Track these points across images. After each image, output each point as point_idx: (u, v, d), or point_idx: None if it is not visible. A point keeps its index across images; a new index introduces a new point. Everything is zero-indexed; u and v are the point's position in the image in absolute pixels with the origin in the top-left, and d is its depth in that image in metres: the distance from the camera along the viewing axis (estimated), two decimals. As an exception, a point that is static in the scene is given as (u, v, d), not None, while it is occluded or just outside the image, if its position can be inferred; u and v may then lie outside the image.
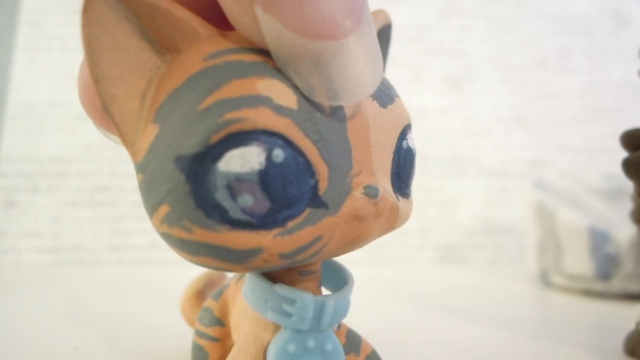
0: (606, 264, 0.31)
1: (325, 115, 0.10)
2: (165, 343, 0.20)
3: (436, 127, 0.54)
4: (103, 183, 0.50)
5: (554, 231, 0.34)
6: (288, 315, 0.11)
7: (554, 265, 0.34)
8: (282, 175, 0.09)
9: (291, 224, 0.10)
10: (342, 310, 0.12)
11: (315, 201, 0.10)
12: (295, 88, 0.10)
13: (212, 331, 0.15)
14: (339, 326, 0.13)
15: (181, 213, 0.10)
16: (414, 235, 0.52)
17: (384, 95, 0.12)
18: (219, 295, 0.16)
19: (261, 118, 0.09)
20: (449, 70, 0.55)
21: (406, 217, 0.12)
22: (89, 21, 0.10)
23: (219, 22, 0.11)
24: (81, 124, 0.51)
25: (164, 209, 0.10)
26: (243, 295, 0.12)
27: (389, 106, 0.11)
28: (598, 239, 0.31)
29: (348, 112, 0.11)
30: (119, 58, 0.10)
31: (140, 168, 0.10)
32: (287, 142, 0.10)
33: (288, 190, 0.10)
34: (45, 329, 0.23)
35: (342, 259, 0.13)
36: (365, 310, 0.27)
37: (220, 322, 0.15)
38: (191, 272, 0.21)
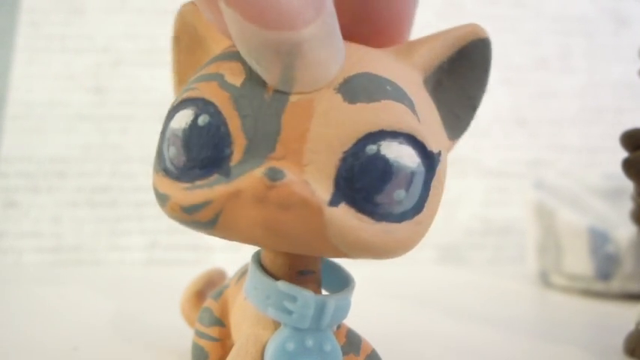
0: (606, 264, 0.31)
1: (266, 94, 0.11)
2: (165, 343, 0.20)
3: (436, 127, 0.54)
4: (103, 183, 0.50)
5: (554, 231, 0.34)
6: (289, 312, 0.11)
7: (554, 265, 0.34)
8: (201, 136, 0.11)
9: (198, 183, 0.11)
10: (343, 311, 0.12)
11: (224, 169, 0.11)
12: (250, 71, 0.11)
13: (212, 331, 0.15)
14: (339, 326, 0.13)
15: (154, 160, 0.12)
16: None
17: (362, 91, 0.11)
18: (219, 295, 0.16)
19: (206, 89, 0.11)
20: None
21: (357, 236, 0.10)
22: (181, 21, 0.14)
23: None
24: (81, 124, 0.51)
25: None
26: (245, 292, 0.12)
27: (359, 104, 0.10)
28: (598, 239, 0.31)
29: (293, 97, 0.11)
30: (189, 55, 0.14)
31: None
32: (217, 112, 0.11)
33: (203, 151, 0.11)
34: (45, 329, 0.23)
35: (342, 259, 0.13)
36: (365, 310, 0.27)
37: (220, 322, 0.15)
38: (191, 272, 0.21)
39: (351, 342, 0.13)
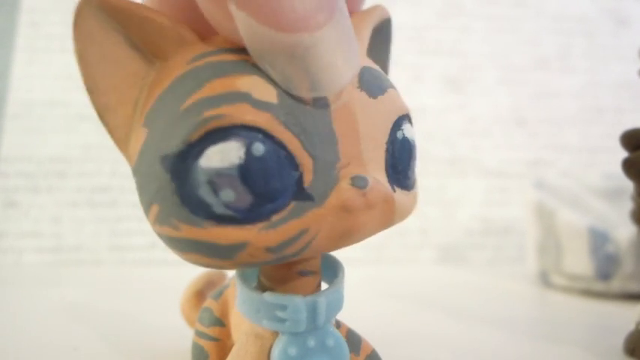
0: (606, 264, 0.31)
1: (307, 107, 0.10)
2: (165, 343, 0.20)
3: (436, 127, 0.54)
4: (103, 183, 0.50)
5: (554, 231, 0.34)
6: (282, 321, 0.11)
7: (554, 265, 0.34)
8: (263, 168, 0.10)
9: (275, 218, 0.10)
10: (336, 304, 0.12)
11: (300, 194, 0.10)
12: (275, 82, 0.10)
13: (212, 331, 0.15)
14: (339, 325, 0.13)
15: (169, 211, 0.10)
16: (414, 235, 0.52)
17: (374, 86, 0.11)
18: (219, 295, 0.16)
19: (239, 113, 0.09)
20: (449, 70, 0.55)
21: (407, 210, 0.12)
22: (80, 35, 0.10)
23: (205, 30, 0.11)
24: (81, 124, 0.51)
25: (155, 209, 0.10)
26: (237, 307, 0.12)
27: (379, 97, 0.11)
28: (598, 239, 0.31)
29: (332, 103, 0.10)
30: (110, 69, 0.10)
31: (134, 171, 0.11)
32: (267, 136, 0.10)
33: (270, 184, 0.10)
34: (45, 329, 0.23)
35: (343, 259, 0.13)
36: (365, 310, 0.27)
37: (220, 322, 0.15)
38: (191, 272, 0.21)
39: (352, 342, 0.13)
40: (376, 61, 0.13)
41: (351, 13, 0.12)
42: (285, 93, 0.10)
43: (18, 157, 0.50)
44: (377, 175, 0.11)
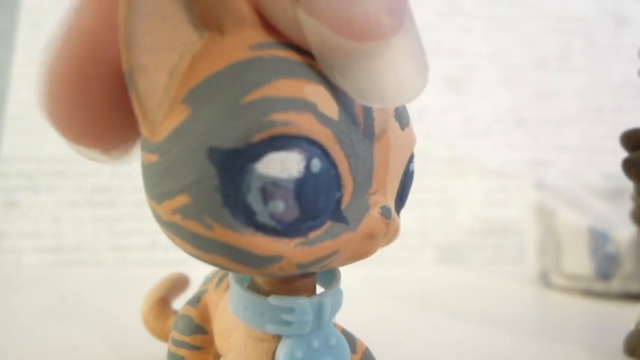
0: (606, 264, 0.31)
1: (359, 130, 0.10)
2: (165, 343, 0.20)
3: (436, 127, 0.54)
4: (103, 183, 0.50)
5: (554, 231, 0.34)
6: (288, 324, 0.11)
7: (554, 265, 0.34)
8: (316, 185, 0.09)
9: (312, 235, 0.10)
10: (338, 303, 0.12)
11: (337, 215, 0.10)
12: (337, 97, 0.10)
13: (193, 339, 0.14)
14: (334, 326, 0.13)
15: (204, 207, 0.09)
16: (414, 235, 0.52)
17: (403, 117, 0.11)
18: (197, 301, 0.15)
19: (306, 124, 0.09)
20: (449, 70, 0.55)
21: (398, 233, 0.12)
22: None
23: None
24: (81, 124, 0.51)
25: (182, 199, 0.09)
26: (233, 313, 0.12)
27: (406, 129, 0.11)
28: (598, 239, 0.31)
29: (377, 130, 0.10)
30: (156, 25, 0.09)
31: (157, 148, 0.10)
32: (324, 153, 0.09)
33: (318, 202, 0.09)
34: (45, 329, 0.23)
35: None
36: (364, 310, 0.27)
37: (201, 329, 0.14)
38: (191, 272, 0.21)
39: (348, 341, 0.13)
40: None
41: None
42: (345, 111, 0.10)
43: (18, 157, 0.50)
44: (391, 204, 0.11)
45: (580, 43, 0.58)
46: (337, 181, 0.10)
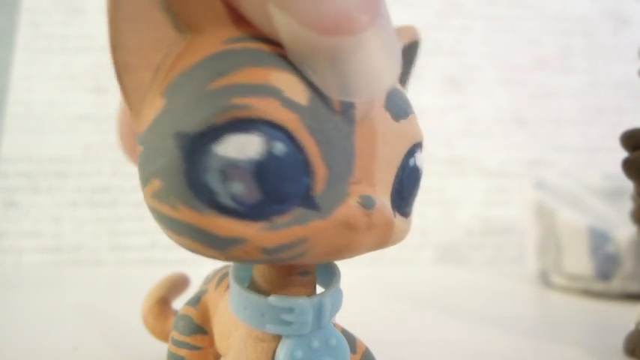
0: (606, 264, 0.31)
1: (335, 116, 0.10)
2: (165, 344, 0.20)
3: (436, 127, 0.54)
4: (103, 183, 0.50)
5: (554, 231, 0.34)
6: (289, 324, 0.11)
7: (554, 265, 0.34)
8: (279, 169, 0.09)
9: (278, 220, 0.10)
10: (338, 303, 0.12)
11: (308, 201, 0.10)
12: (309, 85, 0.10)
13: (193, 339, 0.14)
14: (334, 326, 0.13)
15: (171, 190, 0.10)
16: (413, 235, 0.52)
17: (399, 109, 0.11)
18: (197, 302, 0.15)
19: (268, 108, 0.09)
20: (449, 70, 0.55)
21: (402, 236, 0.12)
22: None
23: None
24: (81, 124, 0.51)
25: (156, 183, 0.10)
26: (233, 313, 0.12)
27: (401, 121, 0.11)
28: (598, 239, 0.31)
29: (358, 116, 0.10)
30: (140, 28, 0.10)
31: (141, 139, 0.10)
32: (290, 138, 0.09)
33: (282, 186, 0.09)
34: (45, 329, 0.23)
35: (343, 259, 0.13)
36: (364, 310, 0.27)
37: (202, 329, 0.14)
38: (191, 272, 0.21)
39: (348, 340, 0.13)
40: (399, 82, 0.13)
41: None
42: (316, 98, 0.10)
43: (18, 157, 0.50)
44: (383, 197, 0.11)
45: (580, 43, 0.58)
46: (305, 167, 0.10)
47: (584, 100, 0.57)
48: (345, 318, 0.14)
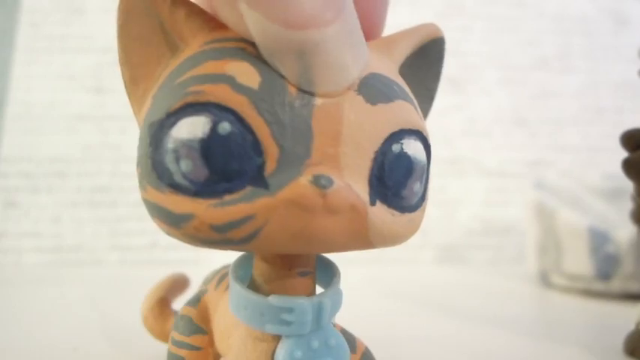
0: (606, 264, 0.31)
1: (290, 98, 0.10)
2: (165, 344, 0.20)
3: (436, 127, 0.54)
4: (103, 183, 0.50)
5: (554, 231, 0.34)
6: (288, 323, 0.11)
7: (554, 265, 0.34)
8: (225, 147, 0.10)
9: (227, 198, 0.10)
10: (338, 303, 0.12)
11: (258, 180, 0.10)
12: (263, 71, 0.10)
13: (193, 340, 0.14)
14: (334, 326, 0.13)
15: (143, 173, 0.11)
16: (413, 235, 0.52)
17: (378, 92, 0.11)
18: (196, 302, 0.15)
19: (218, 92, 0.10)
20: (449, 70, 0.55)
21: (394, 232, 0.11)
22: (124, 10, 0.11)
23: None
24: (81, 124, 0.51)
25: (138, 171, 0.11)
26: (233, 312, 0.12)
27: (379, 104, 0.11)
28: (598, 239, 0.31)
29: (318, 100, 0.10)
30: (144, 48, 0.12)
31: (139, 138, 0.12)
32: (238, 119, 0.10)
33: (229, 164, 0.10)
34: (45, 329, 0.23)
35: (343, 259, 0.13)
36: (364, 309, 0.27)
37: (202, 329, 0.14)
38: (191, 272, 0.21)
39: (347, 340, 0.13)
40: (416, 80, 0.13)
41: (369, 39, 0.12)
42: (270, 82, 0.10)
43: (18, 157, 0.50)
44: (353, 182, 0.10)
45: (580, 43, 0.58)
46: (255, 146, 0.10)
47: (584, 100, 0.57)
48: (345, 318, 0.14)
